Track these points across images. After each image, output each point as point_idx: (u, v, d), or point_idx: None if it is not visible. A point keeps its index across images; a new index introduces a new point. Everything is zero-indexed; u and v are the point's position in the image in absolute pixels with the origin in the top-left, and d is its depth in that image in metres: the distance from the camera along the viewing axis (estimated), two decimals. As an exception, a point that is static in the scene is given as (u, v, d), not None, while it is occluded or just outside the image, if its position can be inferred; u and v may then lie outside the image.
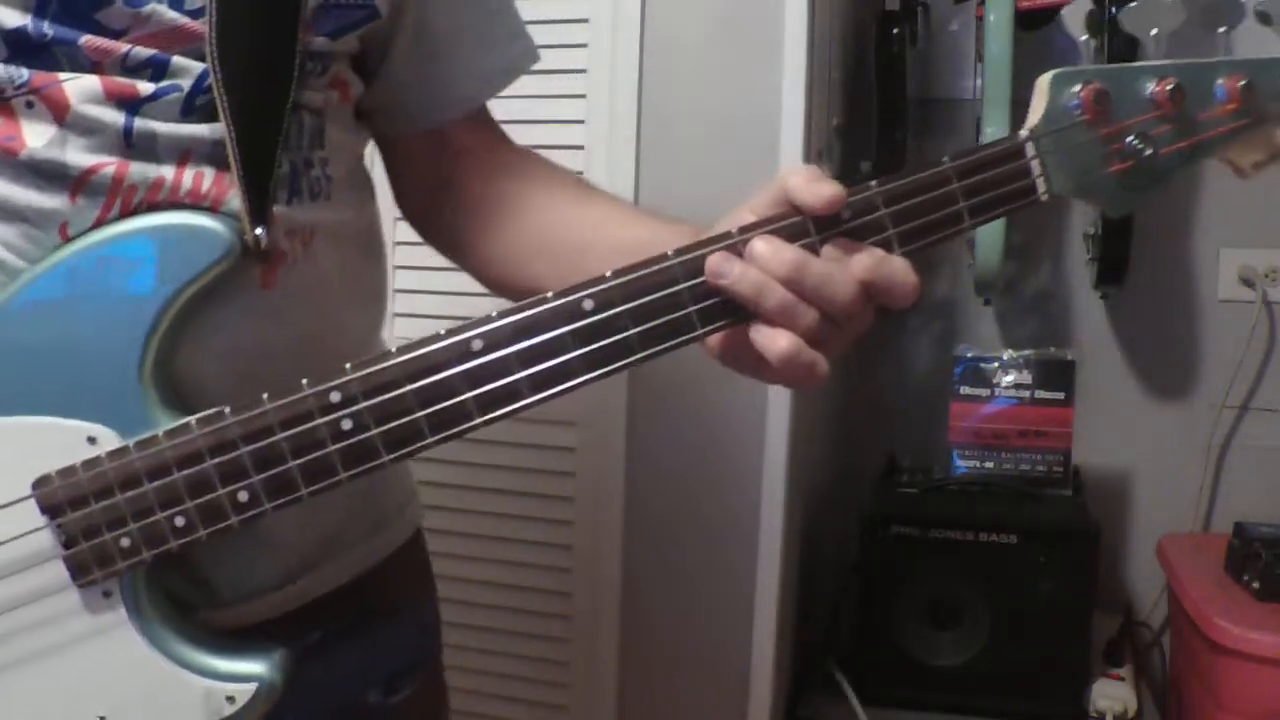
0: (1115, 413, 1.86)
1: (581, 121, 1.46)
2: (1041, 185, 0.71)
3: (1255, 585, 1.44)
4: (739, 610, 1.49)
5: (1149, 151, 0.71)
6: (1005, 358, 1.71)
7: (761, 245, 0.68)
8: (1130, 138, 0.72)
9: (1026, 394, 1.70)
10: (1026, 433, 1.69)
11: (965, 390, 1.72)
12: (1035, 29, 1.68)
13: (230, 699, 0.72)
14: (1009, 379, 1.70)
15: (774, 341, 0.68)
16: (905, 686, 1.57)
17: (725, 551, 1.49)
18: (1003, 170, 0.71)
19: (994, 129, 1.54)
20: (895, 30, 1.69)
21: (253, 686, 0.72)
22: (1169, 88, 0.71)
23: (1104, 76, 0.72)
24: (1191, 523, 1.83)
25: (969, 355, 1.73)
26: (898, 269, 0.69)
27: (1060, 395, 1.69)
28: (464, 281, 0.95)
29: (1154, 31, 0.71)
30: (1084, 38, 1.65)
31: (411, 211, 0.96)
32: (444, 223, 0.93)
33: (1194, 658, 1.49)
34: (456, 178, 0.92)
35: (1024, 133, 0.72)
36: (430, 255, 0.97)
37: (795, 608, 1.60)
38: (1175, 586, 1.58)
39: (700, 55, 1.44)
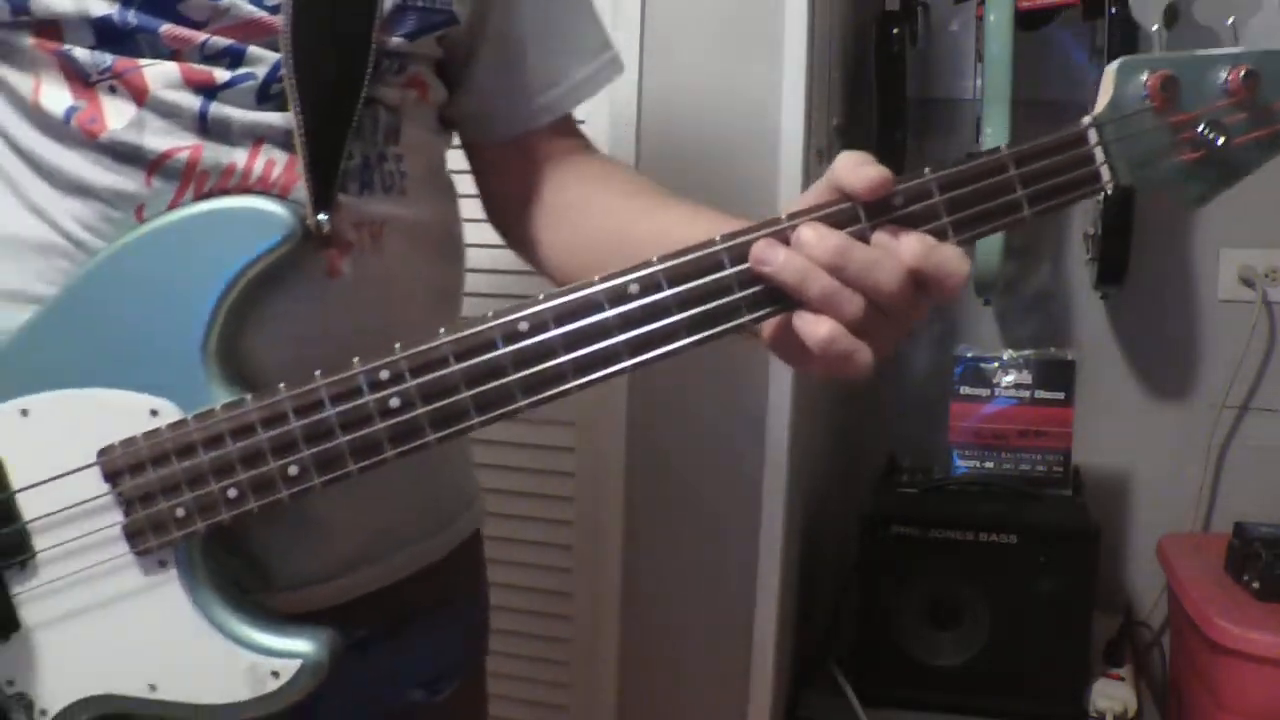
0: (1115, 413, 1.86)
1: (582, 121, 1.45)
2: (1106, 174, 0.69)
3: (1255, 585, 1.44)
4: (739, 610, 1.49)
5: (1221, 140, 0.69)
6: (1005, 358, 1.71)
7: (807, 232, 0.67)
8: (1200, 127, 0.69)
9: (1026, 394, 1.70)
10: (1026, 433, 1.69)
11: (965, 390, 1.72)
12: (1035, 29, 1.68)
13: (275, 674, 0.73)
14: (1009, 379, 1.70)
15: (815, 329, 0.66)
16: (905, 686, 1.57)
17: (725, 551, 1.49)
18: (1063, 158, 0.69)
19: (994, 129, 1.54)
20: (895, 30, 1.69)
21: (297, 663, 0.73)
22: (1242, 74, 0.68)
23: (1173, 63, 0.69)
24: (1191, 523, 1.83)
25: (969, 355, 1.73)
26: (949, 256, 0.67)
27: (1060, 395, 1.69)
28: (506, 283, 0.94)
29: (1230, 20, 0.70)
30: (1155, 27, 1.63)
31: (496, 217, 0.97)
32: (522, 228, 0.94)
33: (1194, 658, 1.49)
34: (537, 184, 0.92)
35: (1086, 120, 0.70)
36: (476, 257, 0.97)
37: (795, 608, 1.60)
38: (1175, 586, 1.58)
39: (700, 55, 1.44)
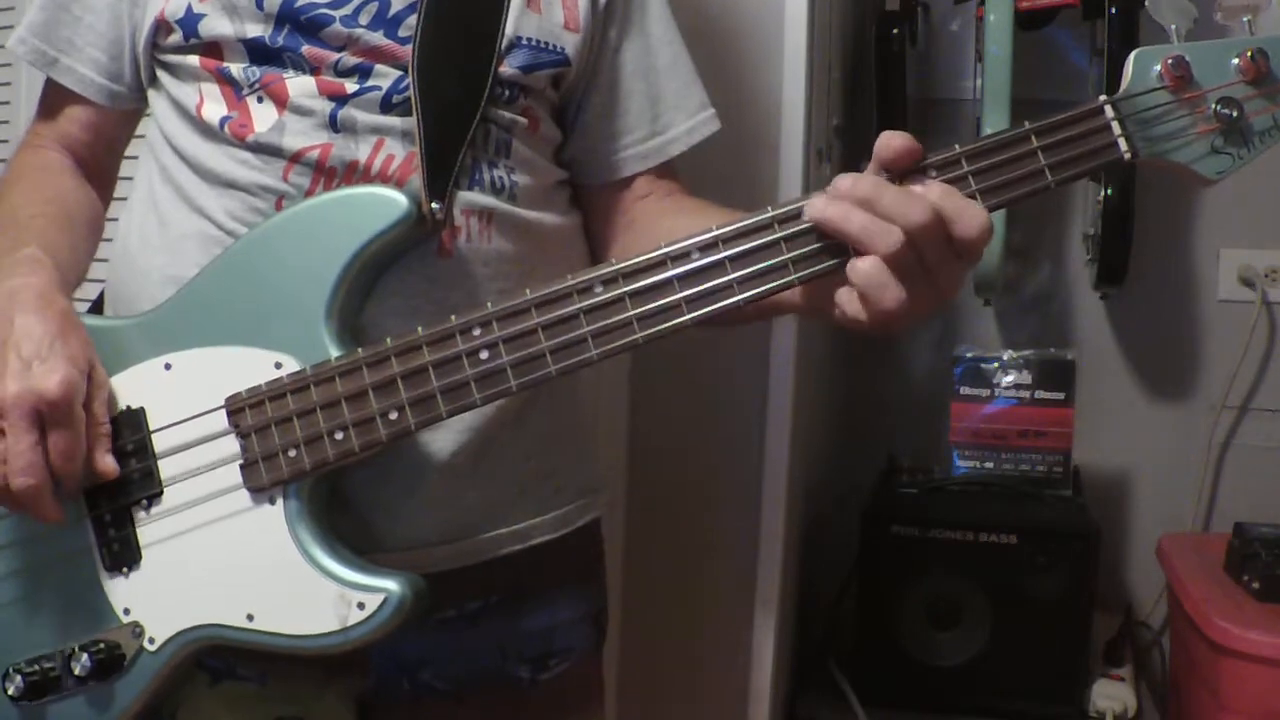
0: (1115, 413, 1.86)
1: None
2: (1124, 145, 0.76)
3: (1255, 585, 1.44)
4: (739, 610, 1.49)
5: (1234, 114, 0.75)
6: (1005, 358, 1.71)
7: (843, 179, 0.76)
8: (1214, 103, 0.75)
9: (1026, 394, 1.69)
10: (1026, 433, 1.69)
11: (965, 390, 1.72)
12: (1035, 29, 1.68)
13: (360, 605, 0.80)
14: (1009, 379, 1.70)
15: (858, 264, 0.74)
16: (905, 686, 1.57)
17: (725, 551, 1.49)
18: (1080, 129, 0.76)
19: (994, 129, 1.53)
20: (895, 30, 1.69)
21: (381, 597, 0.80)
22: (1251, 54, 0.74)
23: (1186, 49, 0.76)
24: (1191, 523, 1.83)
25: (969, 355, 1.73)
26: (968, 204, 0.74)
27: (1060, 395, 1.69)
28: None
29: (1246, 19, 0.76)
30: (1174, 26, 1.61)
31: (596, 249, 1.05)
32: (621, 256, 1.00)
33: (1194, 658, 1.49)
34: (633, 222, 1.02)
35: (1103, 96, 0.76)
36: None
37: (795, 608, 1.60)
38: (1175, 586, 1.58)
39: (700, 55, 1.44)
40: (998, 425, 1.70)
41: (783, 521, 1.46)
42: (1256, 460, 1.82)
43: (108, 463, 0.83)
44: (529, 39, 0.93)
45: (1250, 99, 0.75)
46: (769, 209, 0.77)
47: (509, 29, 0.92)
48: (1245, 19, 0.76)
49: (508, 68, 0.92)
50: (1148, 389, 1.88)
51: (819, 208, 0.75)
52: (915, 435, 1.86)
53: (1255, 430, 1.82)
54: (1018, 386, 1.70)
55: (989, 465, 1.70)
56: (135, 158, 1.02)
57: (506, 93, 0.92)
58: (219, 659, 0.88)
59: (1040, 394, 1.69)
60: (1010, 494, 1.66)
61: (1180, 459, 1.84)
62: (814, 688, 1.63)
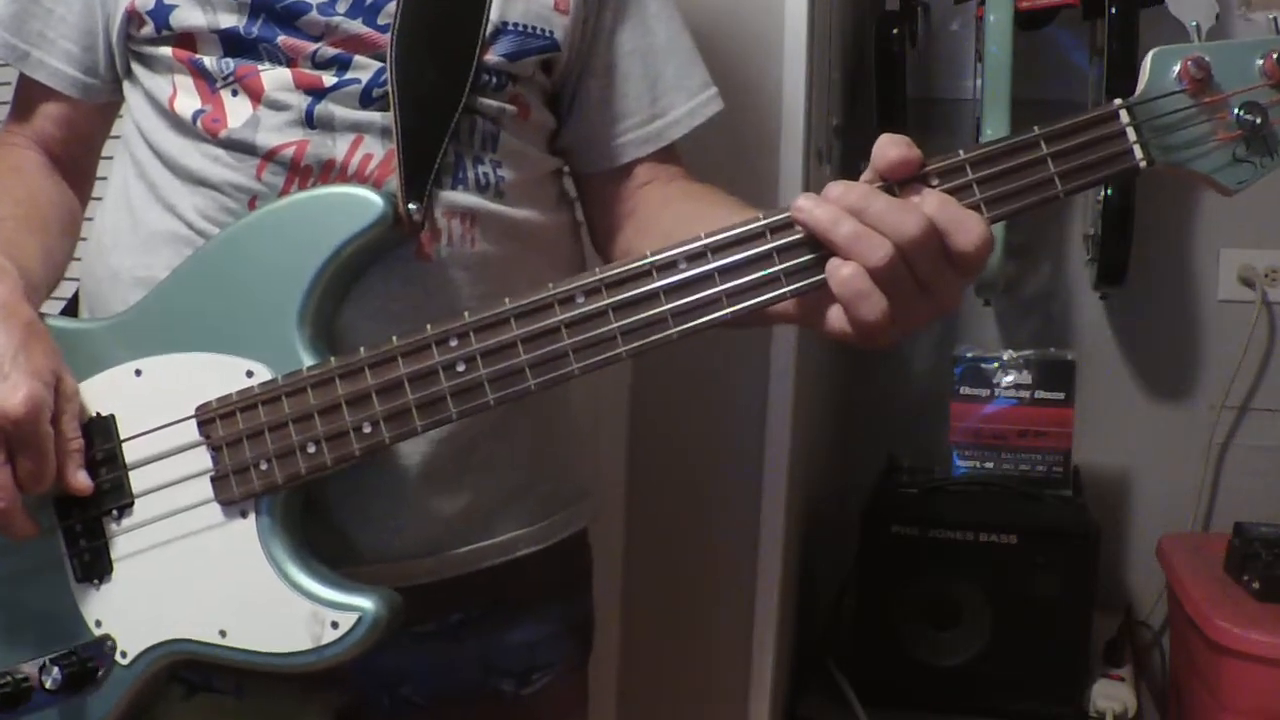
0: (1115, 413, 1.86)
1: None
2: (1139, 153, 0.71)
3: (1255, 585, 1.44)
4: (739, 610, 1.49)
5: (1258, 120, 0.70)
6: (1005, 358, 1.71)
7: (836, 185, 0.72)
8: (1236, 109, 0.71)
9: (1026, 394, 1.69)
10: (1026, 433, 1.69)
11: (965, 390, 1.72)
12: (1035, 29, 1.68)
13: (334, 624, 0.78)
14: (1009, 379, 1.70)
15: (839, 269, 0.70)
16: (905, 686, 1.57)
17: (725, 551, 1.49)
18: (1092, 136, 0.71)
19: (994, 129, 1.54)
20: (895, 30, 1.69)
21: (355, 616, 0.78)
22: (1276, 55, 0.70)
23: (1206, 49, 0.71)
24: (1191, 523, 1.83)
25: (969, 355, 1.73)
26: (967, 215, 0.70)
27: (1060, 395, 1.69)
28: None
29: (1272, 15, 0.72)
30: (1194, 24, 1.60)
31: (597, 240, 1.03)
32: (621, 251, 1.00)
33: (1194, 658, 1.49)
34: (635, 209, 0.99)
35: (1117, 100, 0.72)
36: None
37: (795, 608, 1.60)
38: (1175, 586, 1.58)
39: (700, 55, 1.44)
40: (998, 425, 1.70)
41: (783, 521, 1.46)
42: (1256, 460, 1.82)
43: (80, 479, 0.81)
44: (515, 24, 0.89)
45: (1276, 104, 0.70)
46: (760, 216, 0.74)
47: (494, 14, 0.87)
48: (1272, 15, 0.71)
49: (493, 55, 0.88)
50: (1148, 389, 1.88)
51: (807, 207, 0.72)
52: (915, 435, 1.86)
53: (1255, 430, 1.82)
54: (1018, 386, 1.70)
55: (989, 465, 1.70)
56: (111, 158, 1.00)
57: (493, 80, 0.88)
58: (195, 672, 0.86)
59: (1040, 394, 1.69)
60: (1010, 494, 1.66)
61: (1180, 459, 1.84)
62: (814, 688, 1.63)
